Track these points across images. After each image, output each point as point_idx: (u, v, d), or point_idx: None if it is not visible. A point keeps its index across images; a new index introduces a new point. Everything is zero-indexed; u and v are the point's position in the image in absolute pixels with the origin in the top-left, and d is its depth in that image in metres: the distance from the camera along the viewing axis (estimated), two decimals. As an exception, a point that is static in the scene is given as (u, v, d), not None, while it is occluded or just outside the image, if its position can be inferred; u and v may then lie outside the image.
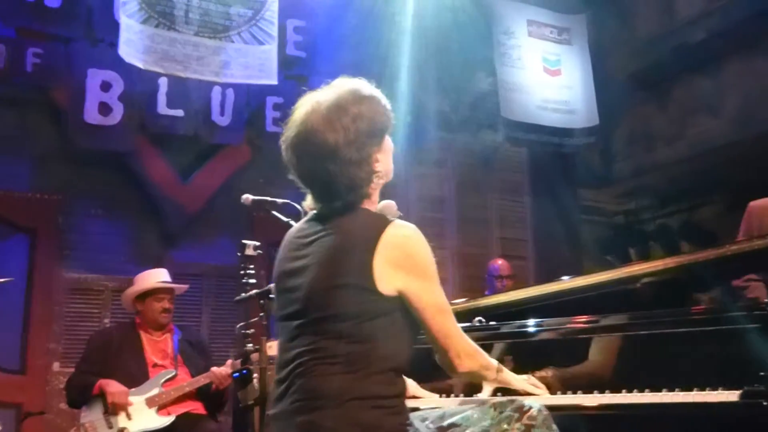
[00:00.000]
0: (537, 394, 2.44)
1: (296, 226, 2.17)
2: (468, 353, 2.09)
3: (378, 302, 1.94)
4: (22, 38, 5.57)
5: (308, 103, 2.05)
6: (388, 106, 2.11)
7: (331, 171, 1.98)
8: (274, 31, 6.04)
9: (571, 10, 7.79)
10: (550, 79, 7.31)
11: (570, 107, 7.33)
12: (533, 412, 2.16)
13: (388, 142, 2.11)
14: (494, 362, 2.22)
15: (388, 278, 1.94)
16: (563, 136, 7.24)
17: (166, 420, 4.01)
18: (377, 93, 2.10)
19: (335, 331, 1.94)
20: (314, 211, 2.11)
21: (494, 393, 2.54)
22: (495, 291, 5.93)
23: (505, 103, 6.98)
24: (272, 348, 3.09)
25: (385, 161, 2.08)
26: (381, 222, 1.99)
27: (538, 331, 2.90)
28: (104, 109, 5.63)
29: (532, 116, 7.10)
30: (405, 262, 1.96)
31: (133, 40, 5.59)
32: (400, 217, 2.59)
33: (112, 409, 3.93)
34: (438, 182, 7.41)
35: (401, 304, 1.98)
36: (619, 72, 7.98)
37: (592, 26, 7.74)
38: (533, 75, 7.23)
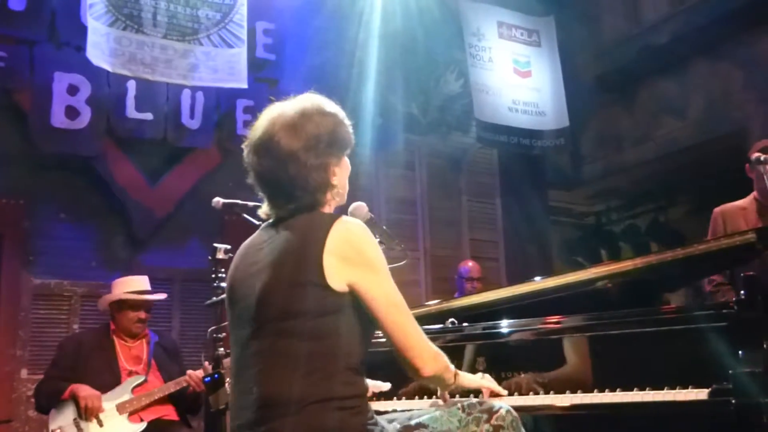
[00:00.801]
0: (497, 390, 2.47)
1: (249, 238, 2.19)
2: (431, 355, 2.05)
3: (330, 298, 1.94)
4: (-15, 41, 5.48)
5: (273, 111, 2.13)
6: (350, 128, 2.17)
7: (289, 173, 2.03)
8: (243, 34, 6.00)
9: (540, 12, 7.86)
10: (520, 81, 7.36)
11: (540, 109, 7.39)
12: (502, 412, 2.17)
13: (346, 161, 2.17)
14: (451, 365, 2.18)
15: (337, 272, 1.95)
16: (533, 137, 7.29)
17: (137, 427, 3.96)
18: (341, 112, 2.17)
19: (289, 330, 1.94)
20: (268, 222, 2.15)
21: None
22: (465, 293, 5.95)
23: (477, 104, 7.02)
24: None
25: (342, 177, 2.14)
26: (329, 218, 2.02)
27: (510, 332, 2.92)
28: (71, 112, 5.54)
29: (502, 118, 7.14)
30: (353, 255, 1.97)
31: (100, 43, 5.52)
32: (371, 219, 2.62)
33: (84, 414, 3.86)
34: (408, 184, 7.42)
35: (353, 301, 1.98)
36: (586, 74, 8.07)
37: (559, 28, 7.81)
38: (504, 76, 7.28)
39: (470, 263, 6.36)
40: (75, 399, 3.90)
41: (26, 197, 5.70)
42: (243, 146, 2.14)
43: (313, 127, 2.06)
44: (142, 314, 4.29)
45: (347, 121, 2.16)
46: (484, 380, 2.44)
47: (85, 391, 3.91)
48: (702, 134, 7.20)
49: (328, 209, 2.13)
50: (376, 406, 2.61)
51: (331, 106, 2.15)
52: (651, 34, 7.60)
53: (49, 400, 3.99)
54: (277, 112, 2.11)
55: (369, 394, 2.24)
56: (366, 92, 6.73)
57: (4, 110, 5.63)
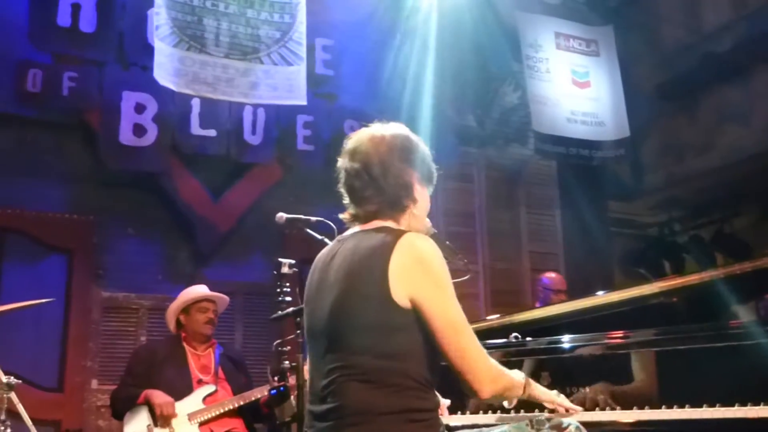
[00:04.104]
0: (566, 407, 2.40)
1: (321, 252, 2.27)
2: (490, 378, 2.03)
3: (395, 313, 1.97)
4: (58, 63, 5.69)
5: (366, 128, 2.27)
6: (434, 166, 2.30)
7: (372, 174, 2.14)
8: (303, 51, 6.10)
9: (598, 21, 7.79)
10: (578, 91, 7.29)
11: (599, 119, 7.31)
12: (571, 429, 2.16)
13: (426, 193, 2.27)
14: (520, 378, 2.18)
15: (402, 287, 1.98)
16: (593, 148, 7.20)
17: None
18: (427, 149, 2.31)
19: (360, 346, 1.99)
20: (339, 236, 2.25)
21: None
22: (548, 304, 5.86)
23: (535, 115, 6.98)
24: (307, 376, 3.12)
25: (422, 200, 2.23)
26: (396, 233, 2.07)
27: (574, 347, 2.90)
28: (138, 130, 5.72)
29: (561, 129, 7.08)
30: (417, 270, 2.00)
31: (166, 63, 5.69)
32: (433, 234, 2.65)
33: (158, 420, 3.98)
34: (466, 197, 7.41)
35: (418, 319, 2.00)
36: (646, 83, 7.95)
37: (618, 38, 7.72)
38: (562, 87, 7.23)
39: (553, 274, 6.26)
40: (149, 405, 4.03)
41: (95, 213, 5.90)
42: (342, 152, 2.26)
43: (399, 141, 2.21)
44: (211, 314, 4.41)
45: (431, 160, 2.28)
46: (556, 398, 2.38)
47: (159, 398, 4.03)
48: (767, 141, 7.02)
49: (402, 222, 2.18)
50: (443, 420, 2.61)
51: (418, 137, 2.28)
52: (712, 41, 7.45)
53: (124, 406, 4.12)
54: (368, 129, 2.27)
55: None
56: (422, 105, 6.75)
57: (74, 129, 5.84)
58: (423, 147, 2.26)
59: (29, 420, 3.22)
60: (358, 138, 2.23)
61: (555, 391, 2.43)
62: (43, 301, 3.62)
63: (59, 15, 5.72)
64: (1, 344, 3.47)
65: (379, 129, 2.24)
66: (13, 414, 3.21)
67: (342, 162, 2.22)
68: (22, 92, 5.56)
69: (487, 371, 2.03)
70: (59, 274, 5.74)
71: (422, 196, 2.23)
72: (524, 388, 2.18)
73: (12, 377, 3.17)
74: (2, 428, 3.00)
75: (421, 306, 1.99)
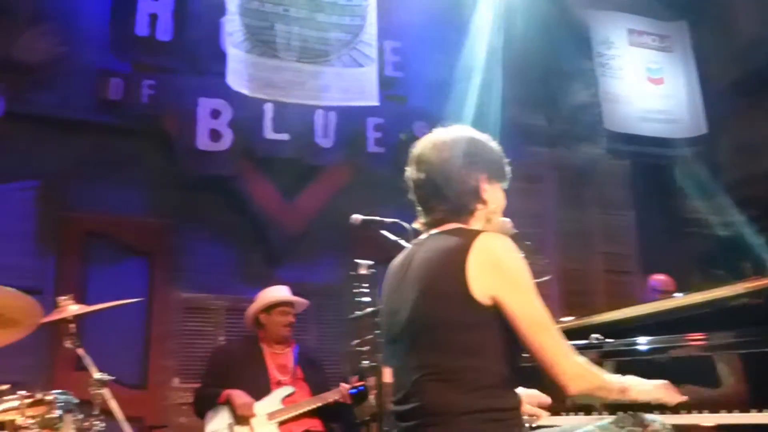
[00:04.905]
0: (674, 400, 2.31)
1: (399, 255, 2.31)
2: (577, 373, 2.01)
3: (475, 311, 1.99)
4: (137, 71, 5.88)
5: (431, 134, 2.30)
6: (505, 160, 2.31)
7: (439, 179, 2.17)
8: (373, 53, 6.17)
9: (671, 17, 7.62)
10: (652, 88, 7.17)
11: (674, 116, 7.16)
12: (656, 426, 2.13)
13: (499, 189, 2.27)
14: (616, 381, 2.13)
15: (480, 286, 1.99)
16: (667, 146, 7.06)
17: None
18: (495, 144, 2.32)
19: (441, 344, 2.01)
20: (414, 240, 2.29)
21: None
22: None
23: (607, 114, 6.88)
24: (387, 375, 3.15)
25: (493, 199, 2.24)
26: (472, 233, 2.09)
27: (655, 349, 2.85)
28: (214, 135, 5.86)
29: (634, 127, 6.97)
30: (495, 269, 2.01)
31: (239, 69, 5.83)
32: (514, 235, 2.64)
33: (238, 419, 4.08)
34: (535, 197, 7.33)
35: (498, 315, 2.00)
36: (721, 79, 7.73)
37: (692, 33, 7.54)
38: (635, 85, 7.11)
39: (662, 276, 6.15)
40: (230, 404, 4.13)
41: (173, 217, 6.07)
42: (408, 161, 2.28)
43: (462, 146, 2.22)
44: (291, 318, 4.48)
45: (502, 154, 2.30)
46: (659, 391, 2.26)
47: (240, 398, 4.12)
48: None
49: (476, 221, 2.21)
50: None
51: (484, 136, 2.29)
52: (791, 33, 7.21)
53: (205, 405, 4.23)
54: (432, 134, 2.29)
55: (539, 409, 2.26)
56: (490, 105, 6.73)
57: (152, 135, 6.01)
58: (489, 145, 2.27)
59: (121, 415, 3.33)
60: (421, 146, 2.26)
61: (664, 382, 2.30)
62: (130, 301, 3.75)
63: (137, 25, 5.92)
64: (88, 343, 3.58)
65: (442, 135, 2.26)
66: (103, 410, 3.33)
67: (409, 171, 2.26)
68: (103, 100, 5.76)
69: (573, 367, 2.01)
70: (140, 276, 5.93)
71: (493, 194, 2.24)
72: (623, 390, 2.12)
73: (105, 374, 3.30)
74: (96, 423, 3.12)
75: (503, 304, 2.00)
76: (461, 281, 1.99)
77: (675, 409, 2.57)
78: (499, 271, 2.01)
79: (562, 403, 2.87)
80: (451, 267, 2.03)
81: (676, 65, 7.36)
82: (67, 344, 3.43)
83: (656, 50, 7.33)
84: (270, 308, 4.49)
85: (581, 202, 7.49)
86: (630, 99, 7.06)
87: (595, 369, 2.09)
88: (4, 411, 2.38)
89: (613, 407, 2.54)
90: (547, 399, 2.42)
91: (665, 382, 2.31)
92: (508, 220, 2.67)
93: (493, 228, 2.24)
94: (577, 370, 2.02)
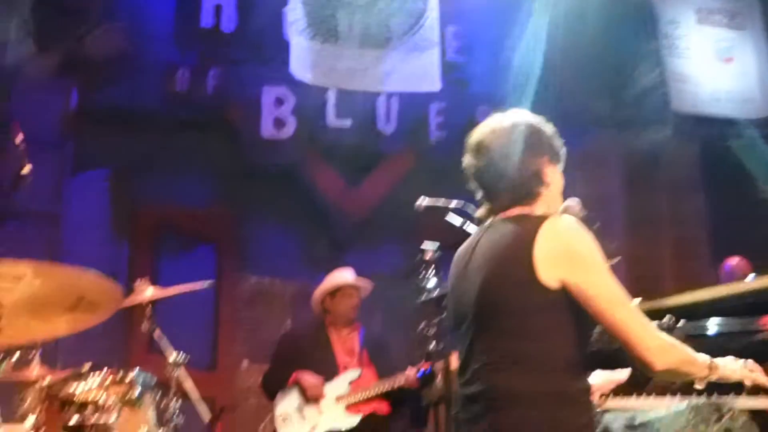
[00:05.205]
0: (761, 381, 2.21)
1: (466, 241, 2.31)
2: (662, 348, 1.96)
3: (543, 295, 1.98)
4: (203, 62, 5.99)
5: (487, 120, 2.29)
6: (561, 143, 2.30)
7: (501, 167, 2.17)
8: (435, 37, 6.15)
9: (742, -7, 7.38)
10: (722, 68, 6.94)
11: (744, 96, 6.93)
12: (735, 411, 2.09)
13: (558, 172, 2.28)
14: (702, 357, 2.07)
15: (549, 270, 1.98)
16: (739, 127, 6.84)
17: (354, 419, 4.19)
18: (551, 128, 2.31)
19: (507, 328, 2.01)
20: (482, 225, 2.27)
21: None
22: None
23: (675, 95, 6.71)
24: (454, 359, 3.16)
25: (554, 183, 2.25)
26: (539, 218, 2.09)
27: (728, 333, 2.79)
28: (278, 123, 5.95)
29: (703, 108, 6.78)
30: (565, 253, 1.99)
31: (302, 57, 5.89)
32: (584, 216, 2.61)
33: (307, 401, 4.16)
34: (603, 181, 7.21)
35: (567, 298, 1.99)
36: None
37: (764, 9, 7.28)
38: (703, 64, 6.90)
39: (736, 259, 6.02)
40: (299, 386, 4.21)
41: (239, 205, 6.20)
42: (466, 150, 2.28)
43: (522, 130, 2.22)
44: (355, 300, 4.55)
45: (557, 136, 2.28)
46: (746, 370, 2.19)
47: (309, 380, 4.21)
48: None
49: (539, 205, 2.20)
50: (611, 402, 2.56)
51: (539, 118, 2.29)
52: None
53: (275, 387, 4.34)
54: (490, 120, 2.28)
55: (610, 387, 2.25)
56: (554, 89, 6.63)
57: (218, 126, 6.12)
58: (546, 128, 2.26)
59: (197, 395, 3.43)
60: (480, 133, 2.25)
61: (749, 362, 2.23)
62: (202, 285, 3.84)
63: (202, 17, 6.03)
64: (161, 327, 3.69)
65: (500, 121, 2.25)
66: (178, 391, 3.43)
67: (468, 159, 2.25)
68: (170, 93, 5.90)
69: (656, 341, 1.97)
70: (208, 263, 6.08)
71: (554, 176, 2.24)
72: (710, 367, 2.06)
73: (181, 355, 3.40)
74: (173, 402, 3.22)
75: (575, 288, 1.98)
76: (528, 266, 1.99)
77: (755, 391, 2.51)
78: (570, 254, 2.00)
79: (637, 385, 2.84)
80: (518, 252, 2.03)
81: (747, 43, 7.12)
82: (144, 327, 3.54)
83: (726, 28, 7.09)
84: (335, 292, 4.56)
85: (649, 186, 7.33)
86: (698, 79, 6.86)
87: (679, 344, 2.04)
88: (88, 390, 2.47)
89: (687, 390, 2.49)
90: (621, 375, 2.37)
91: (751, 361, 2.23)
92: (576, 200, 2.65)
93: (555, 210, 2.24)
94: (661, 344, 1.97)
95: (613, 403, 2.69)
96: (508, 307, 2.02)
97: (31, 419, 2.51)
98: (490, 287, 2.05)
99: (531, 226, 2.06)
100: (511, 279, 2.02)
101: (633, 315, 1.99)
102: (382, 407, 4.33)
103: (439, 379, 3.37)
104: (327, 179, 6.27)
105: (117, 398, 2.50)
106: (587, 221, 2.62)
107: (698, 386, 2.09)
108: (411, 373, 4.19)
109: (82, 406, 2.45)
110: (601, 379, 2.28)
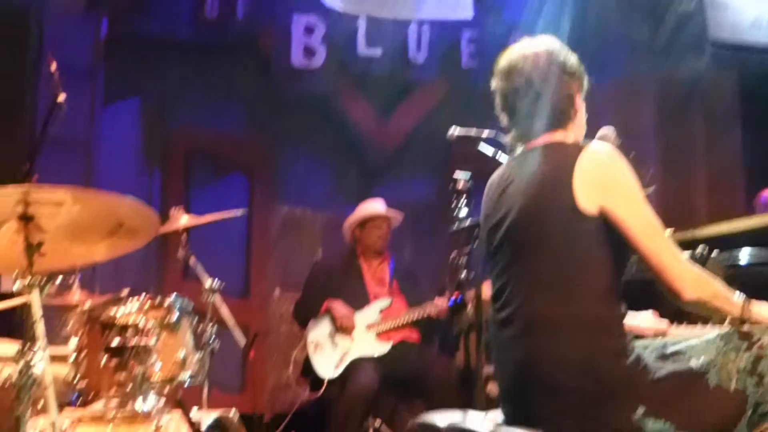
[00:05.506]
0: None
1: (497, 170, 2.31)
2: (693, 279, 1.98)
3: (582, 221, 1.98)
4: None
5: (516, 45, 2.28)
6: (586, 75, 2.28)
7: (532, 92, 2.16)
8: (467, -36, 5.99)
9: None
10: (766, -8, 6.69)
11: (789, 23, 6.69)
12: (765, 341, 2.09)
13: (581, 99, 2.26)
14: (736, 294, 2.07)
15: (588, 197, 1.98)
16: (780, 56, 6.64)
17: (385, 346, 4.27)
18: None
19: (545, 256, 2.02)
20: (514, 154, 2.27)
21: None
22: None
23: (713, 22, 6.50)
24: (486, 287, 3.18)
25: (581, 112, 2.25)
26: (577, 146, 2.09)
27: (762, 263, 2.78)
28: (308, 52, 5.88)
29: (743, 35, 6.56)
30: (603, 180, 2.01)
31: (329, -18, 5.79)
32: (618, 145, 2.59)
33: (338, 330, 4.25)
34: (637, 112, 7.08)
35: (605, 226, 1.99)
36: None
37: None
38: (745, -11, 6.66)
39: None
40: (330, 315, 4.29)
41: (271, 134, 6.22)
42: (495, 72, 2.26)
43: (555, 54, 2.22)
44: (385, 230, 4.59)
45: (582, 67, 2.27)
46: None
47: (340, 310, 4.29)
48: None
49: (569, 135, 2.20)
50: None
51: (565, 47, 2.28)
52: None
53: (307, 315, 4.42)
54: (520, 45, 2.27)
55: (649, 333, 2.26)
56: (588, 17, 6.47)
57: (249, 55, 6.09)
58: (573, 56, 2.26)
59: (232, 321, 3.52)
60: (511, 57, 2.23)
61: None
62: (236, 213, 3.89)
63: (229, -59, 5.92)
64: (195, 254, 3.76)
65: (531, 45, 2.24)
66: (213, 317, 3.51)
67: (497, 83, 2.24)
68: (200, 19, 5.83)
69: (688, 272, 2.00)
70: (241, 191, 6.15)
71: (581, 104, 2.25)
72: (742, 304, 2.05)
73: (216, 282, 3.47)
74: (209, 327, 3.31)
75: (612, 215, 1.99)
76: (568, 192, 1.99)
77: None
78: (609, 180, 2.02)
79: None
80: (557, 179, 2.03)
81: (793, -33, 6.84)
82: (180, 254, 3.60)
83: (773, -53, 6.80)
84: (364, 222, 4.60)
85: (684, 118, 7.19)
86: (739, 4, 6.63)
87: (714, 279, 2.05)
88: (128, 313, 2.54)
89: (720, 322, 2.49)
90: (662, 324, 2.39)
91: None
92: (611, 128, 2.62)
93: (580, 136, 2.24)
94: (692, 275, 2.00)
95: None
96: (547, 234, 2.03)
97: (73, 341, 2.59)
98: (529, 214, 2.06)
99: (570, 153, 2.06)
100: (550, 205, 2.03)
101: (668, 244, 2.01)
102: (413, 335, 4.40)
103: (470, 308, 3.41)
104: (358, 109, 6.24)
105: (156, 322, 2.56)
106: (622, 150, 2.60)
107: (731, 323, 2.10)
108: (441, 302, 4.24)
109: (123, 329, 2.52)
110: (645, 322, 2.30)
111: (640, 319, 2.30)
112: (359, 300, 4.40)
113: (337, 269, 4.55)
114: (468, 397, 3.62)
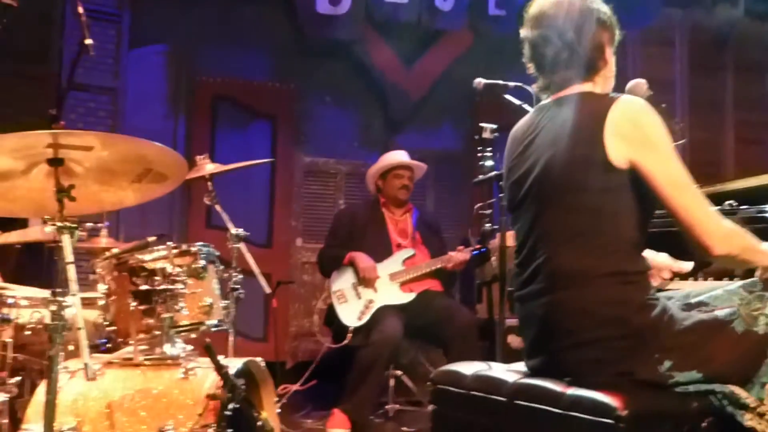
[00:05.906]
0: None
1: (521, 120, 2.28)
2: (723, 233, 1.95)
3: (611, 175, 1.96)
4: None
5: None
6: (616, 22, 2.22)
7: (562, 40, 2.11)
8: None
9: None
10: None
11: (826, -28, 6.50)
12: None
13: (611, 51, 2.21)
14: (765, 245, 2.04)
15: (618, 150, 1.96)
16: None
17: (408, 296, 4.29)
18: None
19: (572, 206, 2.01)
20: (540, 104, 2.23)
21: None
22: None
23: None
24: (510, 238, 3.18)
25: (611, 57, 2.20)
26: (608, 98, 2.05)
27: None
28: (334, -1, 5.81)
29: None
30: (634, 133, 1.97)
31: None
32: (649, 97, 2.55)
33: (362, 281, 4.28)
34: (666, 63, 6.96)
35: (634, 178, 1.97)
36: None
37: None
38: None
39: None
40: (353, 265, 4.32)
41: (296, 81, 6.19)
42: (526, 20, 2.21)
43: (588, 5, 2.16)
44: (406, 181, 4.56)
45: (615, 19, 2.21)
46: None
47: (363, 261, 4.29)
48: None
49: (597, 87, 2.16)
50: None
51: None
52: None
53: (330, 265, 4.44)
54: None
55: (669, 274, 2.25)
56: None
57: (275, 1, 6.02)
58: (605, 6, 2.20)
59: (257, 269, 3.54)
60: (539, 5, 2.18)
61: None
62: (261, 161, 3.88)
63: None
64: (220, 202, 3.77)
65: None
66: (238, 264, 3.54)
67: (526, 32, 2.19)
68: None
69: (717, 225, 1.96)
70: (264, 139, 6.14)
71: (611, 56, 2.19)
72: None
73: (241, 229, 3.49)
74: (235, 275, 3.34)
75: (642, 168, 1.97)
76: (599, 145, 1.97)
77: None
78: (639, 133, 1.98)
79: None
80: (587, 131, 2.00)
81: None
82: (206, 201, 3.62)
83: None
84: (387, 172, 4.58)
85: (715, 68, 7.05)
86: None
87: (743, 231, 2.02)
88: (155, 259, 2.57)
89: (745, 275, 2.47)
90: (681, 265, 2.34)
91: None
92: (643, 81, 2.58)
93: (609, 89, 2.19)
94: (722, 230, 1.96)
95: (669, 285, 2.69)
96: (575, 185, 2.01)
97: (102, 287, 2.62)
98: (558, 165, 2.04)
99: (601, 104, 2.03)
100: (579, 157, 2.00)
101: (698, 198, 1.98)
102: (436, 285, 4.41)
103: (493, 259, 3.41)
104: (383, 57, 6.18)
105: (183, 269, 2.58)
106: (652, 102, 2.56)
107: (759, 274, 2.07)
108: (464, 253, 4.24)
109: (151, 274, 2.54)
110: (664, 261, 2.27)
111: (660, 260, 2.28)
112: (382, 250, 4.40)
113: (361, 219, 4.55)
114: (489, 348, 3.66)
